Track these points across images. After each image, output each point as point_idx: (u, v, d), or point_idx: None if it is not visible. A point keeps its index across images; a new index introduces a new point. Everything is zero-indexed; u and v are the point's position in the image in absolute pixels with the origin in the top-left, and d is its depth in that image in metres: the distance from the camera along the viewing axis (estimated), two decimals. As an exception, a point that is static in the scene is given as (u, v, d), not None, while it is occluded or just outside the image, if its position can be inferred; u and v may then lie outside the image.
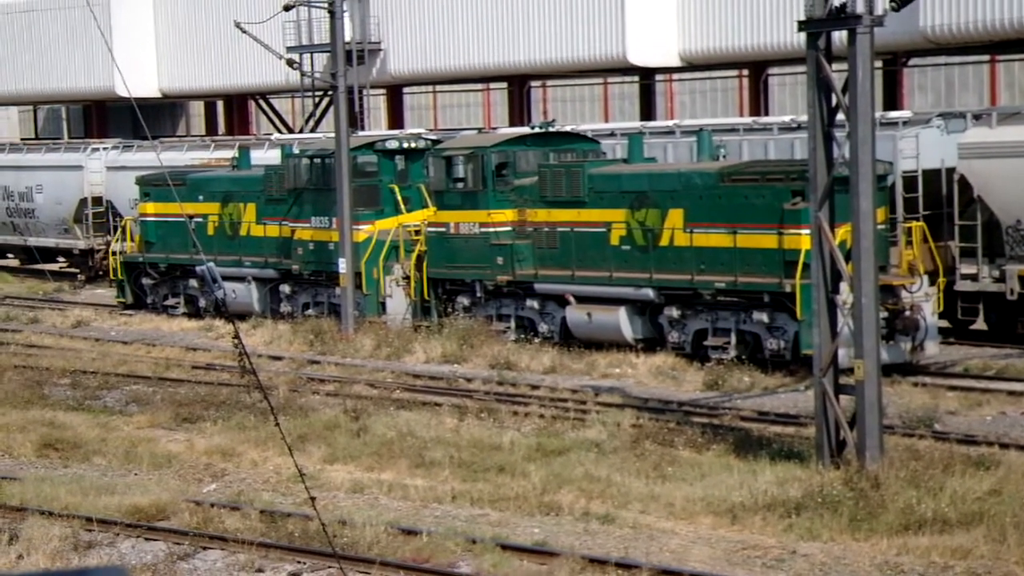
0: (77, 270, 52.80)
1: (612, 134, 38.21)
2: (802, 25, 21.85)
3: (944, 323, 32.03)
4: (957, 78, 60.89)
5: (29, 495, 21.53)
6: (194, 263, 40.00)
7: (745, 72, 56.92)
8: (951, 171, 32.32)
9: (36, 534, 19.32)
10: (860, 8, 21.16)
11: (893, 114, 34.96)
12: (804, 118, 35.25)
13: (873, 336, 21.31)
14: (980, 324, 33.00)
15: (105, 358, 35.05)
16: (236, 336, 12.12)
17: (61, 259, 54.48)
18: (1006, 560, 17.61)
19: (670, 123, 39.13)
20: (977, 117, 32.60)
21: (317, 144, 41.10)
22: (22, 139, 78.24)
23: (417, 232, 36.33)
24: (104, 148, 51.72)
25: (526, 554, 18.34)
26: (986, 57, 56.91)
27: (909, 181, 31.77)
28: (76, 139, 70.28)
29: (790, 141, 34.81)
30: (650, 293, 31.65)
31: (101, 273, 50.47)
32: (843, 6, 21.34)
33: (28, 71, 68.66)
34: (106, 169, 50.35)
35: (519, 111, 57.48)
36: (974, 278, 31.97)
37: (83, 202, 51.02)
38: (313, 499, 16.57)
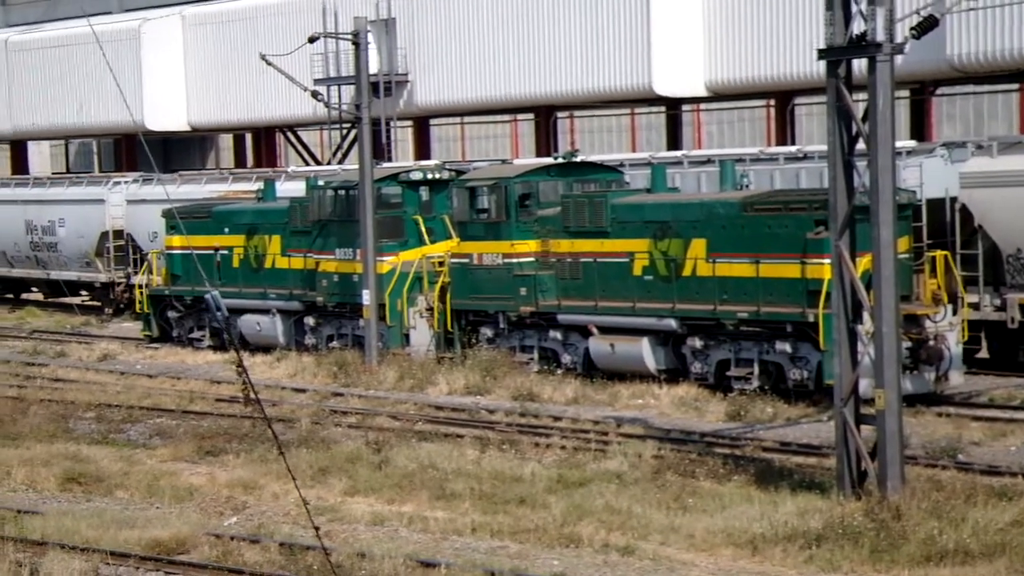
0: (99, 303, 52.97)
1: (622, 165, 38.12)
2: (822, 53, 21.79)
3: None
4: (986, 107, 60.67)
5: (50, 529, 21.51)
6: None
7: (772, 102, 56.81)
8: (954, 200, 32.30)
9: (56, 568, 19.30)
10: (880, 36, 21.07)
11: (897, 144, 34.85)
12: (811, 148, 35.35)
13: (894, 366, 21.18)
14: (984, 353, 32.86)
15: (130, 391, 35.10)
16: (240, 364, 12.09)
17: (84, 292, 54.66)
18: (1028, 592, 17.47)
19: (678, 154, 39.06)
20: (979, 147, 32.56)
21: (339, 176, 41.15)
22: (52, 172, 78.54)
23: (441, 263, 36.34)
24: (125, 182, 51.90)
25: (544, 586, 18.28)
26: (1015, 86, 56.65)
27: (914, 210, 31.71)
28: (101, 173, 70.53)
29: (795, 171, 34.78)
30: (673, 323, 31.56)
31: (122, 306, 50.62)
32: (863, 34, 21.26)
33: (60, 106, 68.98)
34: (126, 202, 50.52)
35: (546, 142, 57.49)
36: (976, 307, 31.89)
37: (104, 235, 51.20)
38: (317, 529, 16.60)
